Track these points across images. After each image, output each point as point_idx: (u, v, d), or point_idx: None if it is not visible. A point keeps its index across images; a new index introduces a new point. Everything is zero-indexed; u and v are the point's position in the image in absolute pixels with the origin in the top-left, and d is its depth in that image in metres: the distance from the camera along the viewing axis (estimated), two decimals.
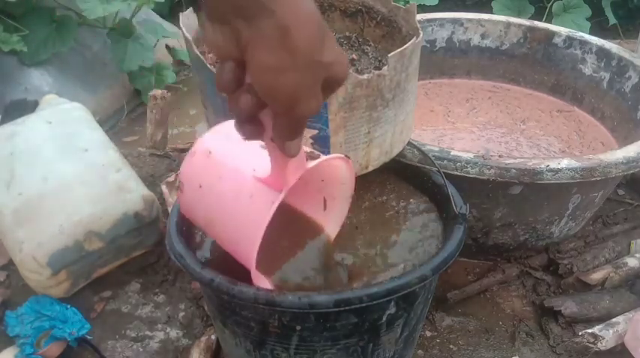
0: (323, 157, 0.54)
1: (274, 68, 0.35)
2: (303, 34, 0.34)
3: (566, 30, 1.33)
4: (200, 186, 0.58)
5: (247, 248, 0.53)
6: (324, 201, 0.65)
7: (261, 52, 0.35)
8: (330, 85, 0.39)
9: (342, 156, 0.59)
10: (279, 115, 0.40)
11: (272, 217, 0.51)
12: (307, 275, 0.63)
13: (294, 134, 0.42)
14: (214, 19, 0.35)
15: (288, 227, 0.64)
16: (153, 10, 2.06)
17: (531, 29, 1.34)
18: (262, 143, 0.46)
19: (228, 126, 0.56)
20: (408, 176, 0.84)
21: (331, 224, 0.66)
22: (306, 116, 0.39)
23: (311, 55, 0.35)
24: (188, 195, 0.59)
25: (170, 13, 2.23)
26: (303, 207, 0.66)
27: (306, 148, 0.53)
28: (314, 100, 0.38)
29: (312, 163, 0.52)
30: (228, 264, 0.62)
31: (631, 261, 1.06)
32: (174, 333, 0.97)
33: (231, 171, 0.56)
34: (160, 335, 0.96)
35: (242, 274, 0.59)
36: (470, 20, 1.36)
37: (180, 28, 0.72)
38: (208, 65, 0.67)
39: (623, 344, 0.91)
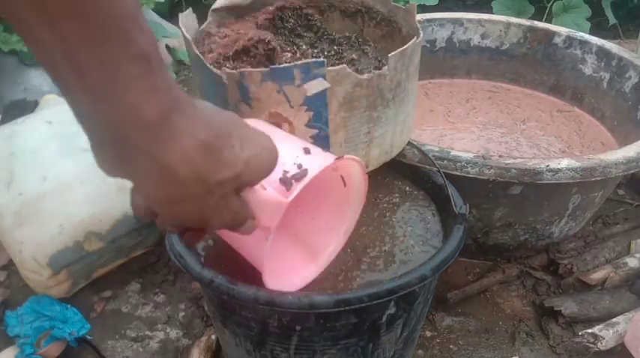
0: (309, 176, 0.46)
1: (167, 202, 0.34)
2: (189, 166, 0.32)
3: (566, 30, 1.33)
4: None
5: (259, 257, 0.53)
6: (343, 180, 0.60)
7: (149, 189, 0.34)
8: (249, 184, 0.38)
9: (352, 157, 0.54)
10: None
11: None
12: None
13: (234, 230, 0.40)
14: (100, 155, 0.34)
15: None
16: (153, 10, 2.06)
17: (531, 29, 1.34)
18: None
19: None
20: (408, 175, 0.84)
21: (343, 228, 0.64)
22: (227, 227, 0.38)
23: (203, 180, 0.33)
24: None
25: (170, 13, 2.23)
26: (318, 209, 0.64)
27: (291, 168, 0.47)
28: (226, 214, 0.37)
29: (293, 192, 0.44)
30: (227, 263, 0.62)
31: (631, 261, 1.06)
32: (174, 333, 0.97)
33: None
34: (160, 335, 0.96)
35: (242, 274, 0.59)
36: (470, 20, 1.36)
37: (180, 28, 0.72)
38: (208, 65, 0.67)
39: (623, 344, 0.91)
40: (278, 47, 0.75)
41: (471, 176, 0.84)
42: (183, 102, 0.33)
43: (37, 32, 0.27)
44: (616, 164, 0.86)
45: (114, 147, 0.32)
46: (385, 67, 0.68)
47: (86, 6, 0.27)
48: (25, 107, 1.25)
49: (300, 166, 0.46)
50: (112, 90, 0.29)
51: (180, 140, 0.32)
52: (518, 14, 2.09)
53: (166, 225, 0.38)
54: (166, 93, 0.31)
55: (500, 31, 1.36)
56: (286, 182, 0.45)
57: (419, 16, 1.27)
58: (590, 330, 0.92)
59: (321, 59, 0.63)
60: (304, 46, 0.81)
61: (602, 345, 0.90)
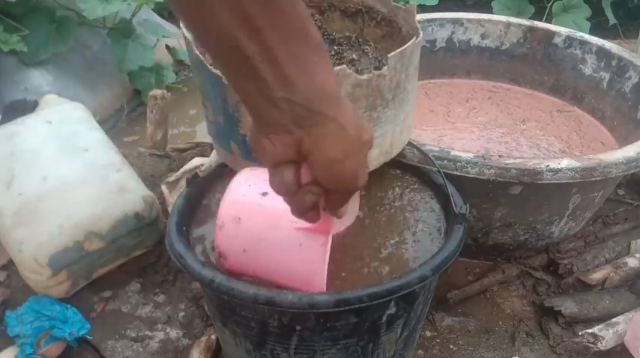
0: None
1: (340, 158, 0.41)
2: (354, 126, 0.42)
3: (566, 30, 1.33)
4: (244, 251, 0.60)
5: (312, 282, 0.57)
6: None
7: (326, 149, 0.41)
8: (368, 153, 0.46)
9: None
10: (333, 193, 0.45)
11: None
12: None
13: (345, 203, 0.47)
14: (271, 133, 0.40)
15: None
16: (153, 10, 2.06)
17: (531, 29, 1.34)
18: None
19: (242, 180, 0.62)
20: (408, 175, 0.84)
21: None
22: (362, 187, 0.45)
23: (360, 139, 0.43)
24: (234, 261, 0.61)
25: (170, 13, 2.23)
26: None
27: None
28: (366, 171, 0.45)
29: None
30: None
31: (631, 261, 1.06)
32: (174, 333, 0.97)
33: (271, 230, 0.58)
34: (160, 335, 0.96)
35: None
36: (470, 20, 1.36)
37: (180, 28, 0.72)
38: (208, 65, 0.67)
39: (623, 344, 0.91)
40: None
41: (471, 176, 0.84)
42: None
43: (243, 47, 0.36)
44: (616, 164, 0.86)
45: (302, 123, 0.40)
46: (385, 68, 0.68)
47: (280, 16, 0.36)
48: (25, 107, 1.25)
49: None
50: (304, 76, 0.38)
51: (347, 106, 0.42)
52: (518, 14, 2.09)
53: (311, 198, 0.44)
54: (333, 70, 0.41)
55: (500, 31, 1.36)
56: None
57: (419, 16, 1.27)
58: (590, 330, 0.92)
59: None
60: None
61: (602, 345, 0.90)
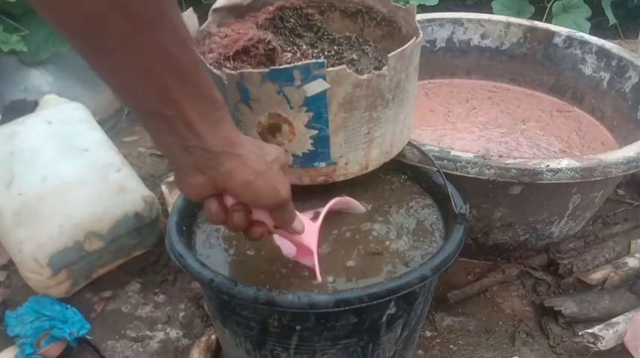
0: (324, 210, 0.66)
1: (251, 180, 0.50)
2: (254, 154, 0.51)
3: (566, 30, 1.33)
4: None
5: None
6: None
7: (237, 178, 0.49)
8: (285, 167, 0.55)
9: (342, 197, 0.70)
10: (272, 212, 0.54)
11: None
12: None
13: (291, 216, 0.56)
14: (188, 176, 0.50)
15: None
16: None
17: (531, 29, 1.34)
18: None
19: None
20: (408, 176, 0.84)
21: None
22: (288, 198, 0.53)
23: (265, 160, 0.51)
24: None
25: None
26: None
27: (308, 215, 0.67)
28: (285, 184, 0.53)
29: (319, 219, 0.64)
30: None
31: (631, 261, 1.06)
32: (174, 333, 0.97)
33: None
34: (160, 335, 0.96)
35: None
36: (470, 20, 1.36)
37: None
38: (208, 65, 0.67)
39: (623, 344, 0.91)
40: (278, 47, 0.75)
41: (471, 176, 0.84)
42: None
43: (163, 111, 0.45)
44: (616, 164, 0.86)
45: (211, 164, 0.49)
46: (385, 68, 0.68)
47: (192, 87, 0.45)
48: (25, 107, 1.25)
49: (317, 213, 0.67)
50: (211, 129, 0.47)
51: (247, 143, 0.51)
52: (518, 14, 2.09)
53: (239, 216, 0.53)
54: (231, 120, 0.51)
55: (500, 31, 1.36)
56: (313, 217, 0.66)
57: (419, 16, 1.27)
58: (590, 330, 0.92)
59: (322, 60, 0.63)
60: (304, 46, 0.81)
61: (602, 345, 0.90)
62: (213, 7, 0.82)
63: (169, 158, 0.50)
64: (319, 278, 0.60)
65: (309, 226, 0.61)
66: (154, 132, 0.48)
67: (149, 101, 0.44)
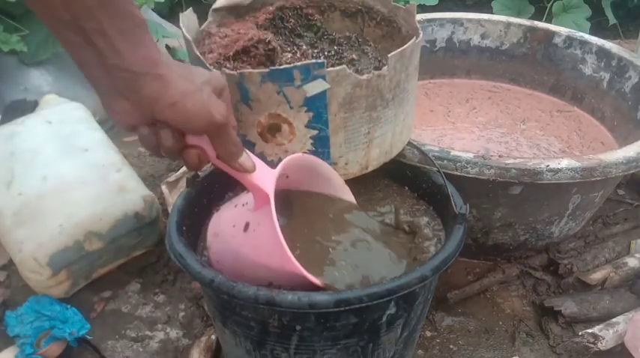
0: (284, 159, 0.61)
1: (178, 100, 0.47)
2: (182, 77, 0.48)
3: (566, 30, 1.33)
4: (230, 260, 0.64)
5: (286, 263, 0.56)
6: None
7: (162, 99, 0.47)
8: (219, 91, 0.52)
9: (299, 153, 0.65)
10: (210, 138, 0.51)
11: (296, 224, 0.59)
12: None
13: (234, 147, 0.53)
14: (113, 99, 0.48)
15: (321, 213, 0.69)
16: (153, 10, 2.05)
17: (531, 29, 1.34)
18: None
19: (219, 207, 0.71)
20: (408, 176, 0.84)
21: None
22: (225, 123, 0.50)
23: (193, 82, 0.48)
24: (231, 274, 0.63)
25: (170, 13, 2.23)
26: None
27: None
28: (220, 107, 0.50)
29: (278, 167, 0.59)
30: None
31: (631, 261, 1.06)
32: (174, 333, 0.97)
33: (236, 225, 0.63)
34: (160, 335, 0.96)
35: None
36: (470, 20, 1.36)
37: (180, 28, 0.72)
38: (208, 65, 0.67)
39: (623, 344, 0.91)
40: (278, 47, 0.75)
41: (471, 176, 0.84)
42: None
43: (81, 24, 0.43)
44: (616, 164, 0.86)
45: (132, 86, 0.46)
46: (385, 68, 0.68)
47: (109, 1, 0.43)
48: (25, 107, 1.25)
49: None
50: (130, 47, 0.45)
51: (172, 64, 0.48)
52: (518, 14, 2.09)
53: (166, 134, 0.49)
54: (154, 41, 0.48)
55: (500, 31, 1.36)
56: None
57: (419, 16, 1.27)
58: (590, 330, 0.92)
59: (321, 60, 0.63)
60: (304, 46, 0.81)
61: (602, 345, 0.90)
62: (213, 7, 0.82)
63: (92, 82, 0.48)
64: (277, 226, 0.54)
65: (264, 169, 0.57)
66: (71, 48, 0.46)
67: (62, 9, 0.43)
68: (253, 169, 0.55)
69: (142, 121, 0.49)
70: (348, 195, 0.72)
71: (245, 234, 0.61)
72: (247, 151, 0.55)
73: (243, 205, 0.63)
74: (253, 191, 0.58)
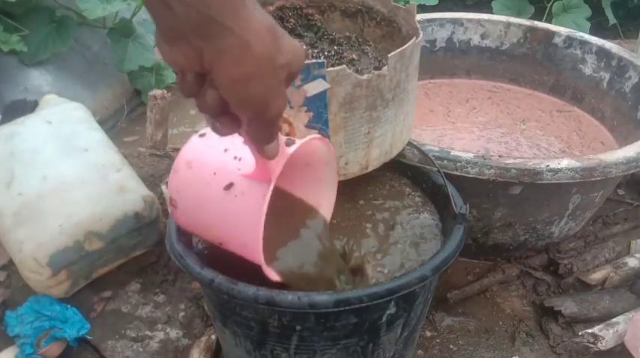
0: (301, 141, 0.55)
1: (242, 79, 0.38)
2: (262, 45, 0.38)
3: (566, 30, 1.33)
4: (192, 197, 0.59)
5: (252, 245, 0.54)
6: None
7: (227, 66, 0.38)
8: (290, 78, 0.43)
9: (318, 135, 0.60)
10: (251, 120, 0.43)
11: (267, 208, 0.52)
12: (309, 260, 0.63)
13: (270, 137, 0.46)
14: (171, 40, 0.38)
15: (284, 212, 0.64)
16: None
17: (531, 29, 1.34)
18: (241, 139, 0.48)
19: (205, 132, 0.61)
20: (408, 175, 0.84)
21: (323, 207, 0.68)
22: (277, 117, 0.43)
23: (272, 60, 0.39)
24: (182, 209, 0.60)
25: None
26: (295, 193, 0.67)
27: (282, 136, 0.54)
28: (281, 100, 0.42)
29: (292, 148, 0.53)
30: (227, 263, 0.62)
31: (631, 261, 1.06)
32: (174, 333, 0.97)
33: (217, 175, 0.57)
34: (160, 335, 0.96)
35: (241, 273, 0.59)
36: (470, 20, 1.36)
37: None
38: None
39: (623, 344, 0.91)
40: None
41: (471, 176, 0.84)
42: None
43: None
44: (616, 164, 0.86)
45: (199, 32, 0.37)
46: (385, 68, 0.68)
47: None
48: (25, 107, 1.25)
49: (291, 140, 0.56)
50: None
51: (255, 21, 0.38)
52: (518, 14, 2.09)
53: (213, 96, 0.41)
54: None
55: (500, 31, 1.36)
56: (287, 144, 0.54)
57: (419, 16, 1.27)
58: (590, 330, 0.92)
59: (322, 60, 0.63)
60: (304, 46, 0.81)
61: (602, 345, 0.90)
62: None
63: (152, 15, 0.38)
64: (264, 213, 0.52)
65: (281, 150, 0.52)
66: None
67: None
68: (273, 158, 0.49)
69: (193, 70, 0.40)
70: (328, 199, 0.68)
71: (224, 192, 0.56)
72: (279, 137, 0.50)
73: (235, 158, 0.57)
74: (258, 165, 0.53)
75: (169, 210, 0.64)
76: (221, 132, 0.44)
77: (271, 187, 0.52)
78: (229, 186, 0.56)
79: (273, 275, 0.59)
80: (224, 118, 0.43)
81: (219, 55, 0.37)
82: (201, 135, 0.62)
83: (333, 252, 0.67)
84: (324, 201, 0.68)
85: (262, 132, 0.44)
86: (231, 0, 0.36)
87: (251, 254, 0.56)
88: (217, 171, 0.57)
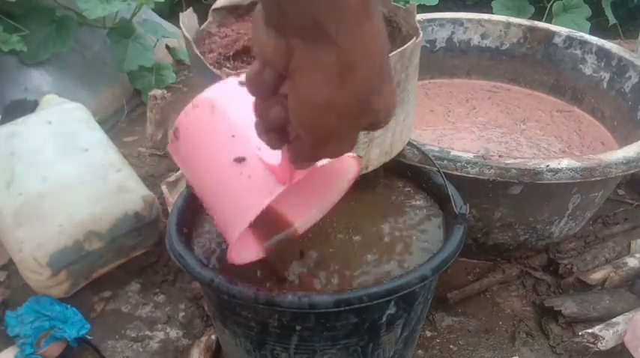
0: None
1: (321, 104, 0.31)
2: (366, 76, 0.31)
3: (566, 30, 1.33)
4: (197, 144, 0.53)
5: (231, 227, 0.51)
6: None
7: (313, 82, 0.31)
8: (370, 128, 0.35)
9: (354, 155, 0.56)
10: (304, 142, 0.35)
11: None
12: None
13: (311, 161, 0.39)
14: (272, 26, 0.31)
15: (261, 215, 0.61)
16: (153, 10, 2.05)
17: (531, 29, 1.34)
18: None
19: (238, 84, 0.53)
20: (408, 176, 0.84)
21: (310, 214, 0.64)
22: (332, 157, 0.37)
23: (366, 99, 0.32)
24: (184, 146, 0.55)
25: (170, 13, 2.23)
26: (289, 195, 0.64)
27: None
28: (346, 145, 0.35)
29: (322, 162, 0.46)
30: (227, 262, 0.62)
31: (631, 261, 1.06)
32: (174, 333, 0.97)
33: (234, 141, 0.51)
34: (160, 335, 0.96)
35: (241, 273, 0.59)
36: (470, 20, 1.36)
37: (180, 28, 0.72)
38: (208, 65, 0.67)
39: (623, 344, 0.91)
40: None
41: (471, 176, 0.84)
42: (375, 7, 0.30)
43: None
44: (616, 164, 0.86)
45: (298, 32, 0.30)
46: None
47: None
48: (25, 107, 1.25)
49: None
50: None
51: (371, 35, 0.30)
52: (519, 14, 2.09)
53: (278, 113, 0.34)
54: None
55: (500, 31, 1.36)
56: None
57: (419, 16, 1.27)
58: (590, 330, 0.92)
59: None
60: None
61: (602, 345, 0.90)
62: (213, 7, 0.82)
63: None
64: (261, 208, 0.48)
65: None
66: None
67: None
68: (302, 169, 0.44)
69: (277, 65, 0.32)
70: (320, 209, 0.64)
71: (232, 162, 0.50)
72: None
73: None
74: (281, 163, 0.47)
75: (168, 147, 0.57)
76: (265, 143, 0.39)
77: (281, 190, 0.48)
78: (240, 160, 0.50)
79: (238, 258, 0.56)
80: (275, 134, 0.37)
81: (307, 64, 0.30)
82: (242, 83, 0.52)
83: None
84: (313, 209, 0.64)
85: (306, 156, 0.37)
86: (352, 6, 0.28)
87: (225, 232, 0.53)
88: (237, 135, 0.51)
